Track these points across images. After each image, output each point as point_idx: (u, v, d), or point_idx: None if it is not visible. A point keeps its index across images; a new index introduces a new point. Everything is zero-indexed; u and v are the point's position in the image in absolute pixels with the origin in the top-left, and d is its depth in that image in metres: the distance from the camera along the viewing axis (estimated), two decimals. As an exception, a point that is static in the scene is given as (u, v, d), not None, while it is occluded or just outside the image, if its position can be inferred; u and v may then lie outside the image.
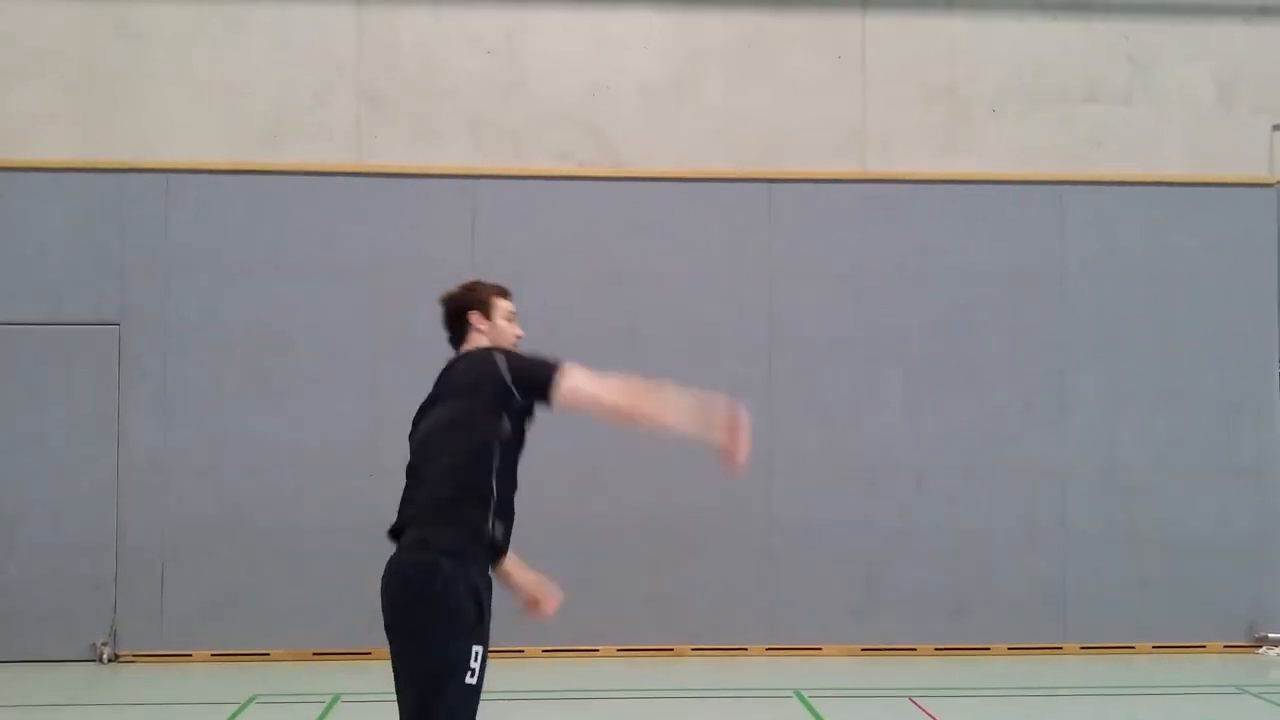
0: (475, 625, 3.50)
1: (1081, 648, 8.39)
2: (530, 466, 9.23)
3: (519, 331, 3.92)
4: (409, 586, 3.51)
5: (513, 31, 8.47)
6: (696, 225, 8.43)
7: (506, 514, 3.69)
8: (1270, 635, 8.45)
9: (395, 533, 3.65)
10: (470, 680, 3.46)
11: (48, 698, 7.13)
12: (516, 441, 3.76)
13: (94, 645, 7.98)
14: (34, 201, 8.14)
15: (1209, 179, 8.67)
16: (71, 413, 8.06)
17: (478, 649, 3.48)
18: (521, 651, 8.02)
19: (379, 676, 4.04)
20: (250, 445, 8.09)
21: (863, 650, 8.29)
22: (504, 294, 3.92)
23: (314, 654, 8.00)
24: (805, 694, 7.12)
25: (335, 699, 6.82)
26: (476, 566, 3.57)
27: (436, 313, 3.96)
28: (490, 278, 8.41)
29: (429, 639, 3.46)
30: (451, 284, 3.94)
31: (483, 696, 3.57)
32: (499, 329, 3.87)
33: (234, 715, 6.61)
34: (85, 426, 8.06)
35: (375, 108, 8.38)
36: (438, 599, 3.46)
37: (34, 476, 8.02)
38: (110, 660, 7.96)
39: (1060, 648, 8.38)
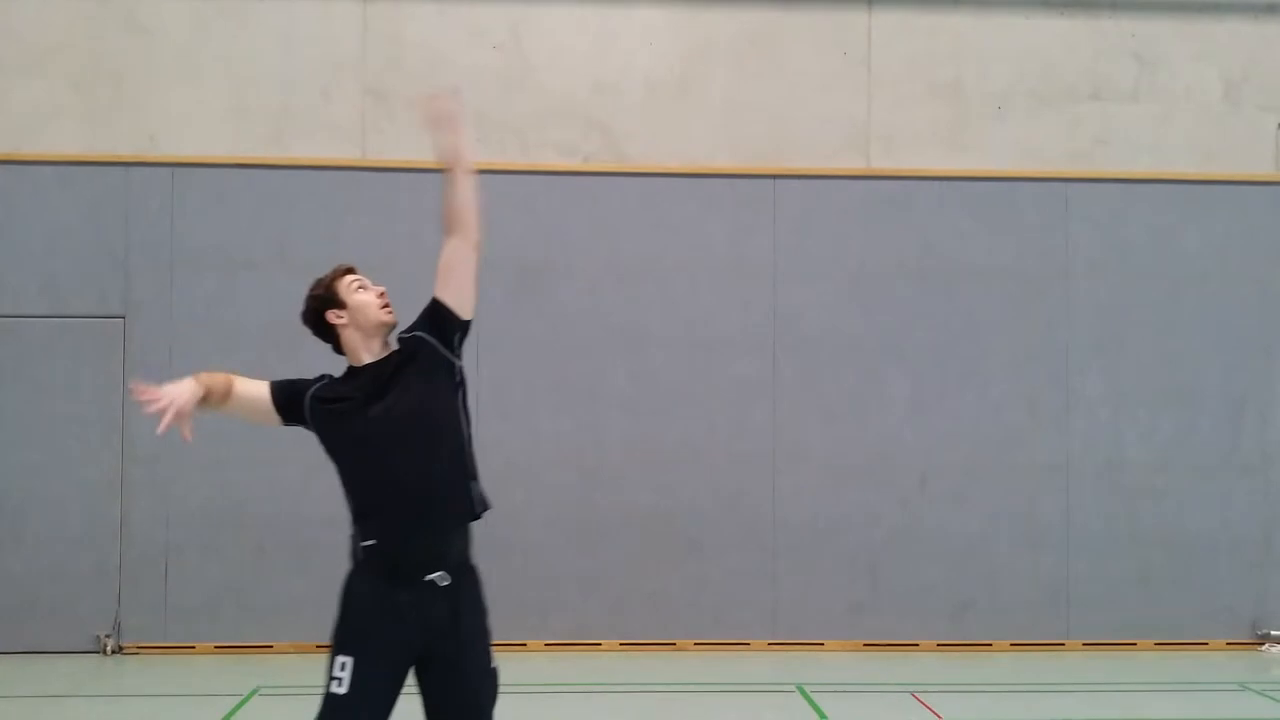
0: (338, 633, 3.52)
1: (1084, 644, 8.40)
2: (536, 462, 9.28)
3: (380, 289, 3.73)
4: None
5: (518, 27, 8.47)
6: (701, 221, 8.43)
7: (369, 519, 3.56)
8: (1273, 632, 8.45)
9: None
10: (336, 689, 3.42)
11: (52, 689, 7.17)
12: (332, 443, 3.63)
13: (98, 637, 8.01)
14: (39, 195, 8.15)
15: (1215, 177, 8.66)
16: (76, 405, 8.08)
17: (340, 659, 3.45)
18: (524, 645, 8.04)
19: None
20: (253, 438, 8.07)
21: (865, 645, 8.30)
22: (342, 274, 3.73)
23: (317, 646, 7.97)
24: (807, 689, 7.13)
25: (338, 692, 6.83)
26: (356, 576, 3.58)
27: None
28: (495, 273, 8.49)
29: None
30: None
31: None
32: (357, 306, 3.67)
33: (237, 707, 6.63)
34: (89, 419, 8.08)
35: (380, 103, 8.39)
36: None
37: (38, 469, 8.04)
38: (114, 652, 7.99)
39: (1063, 644, 8.39)
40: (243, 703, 6.74)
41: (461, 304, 3.71)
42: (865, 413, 8.41)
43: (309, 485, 8.05)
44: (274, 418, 3.67)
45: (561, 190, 8.37)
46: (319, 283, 3.74)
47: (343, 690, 3.40)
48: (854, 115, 8.57)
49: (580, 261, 8.33)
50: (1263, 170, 8.73)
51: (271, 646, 8.07)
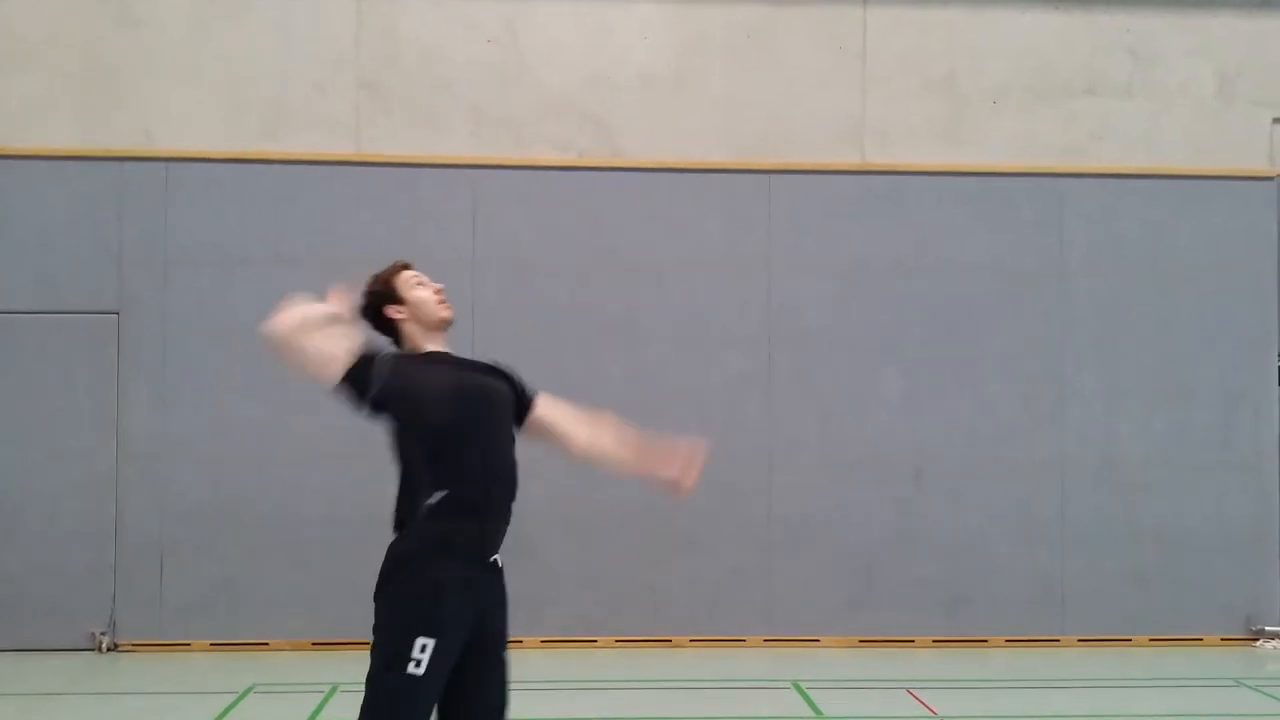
0: (413, 614, 3.42)
1: (1079, 640, 8.41)
2: (532, 458, 9.25)
3: (437, 286, 3.75)
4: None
5: (513, 20, 8.46)
6: (696, 215, 8.43)
7: (451, 488, 3.53)
8: (1267, 628, 8.46)
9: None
10: (413, 670, 3.35)
11: (47, 686, 7.15)
12: (417, 396, 3.57)
13: (93, 634, 7.99)
14: (33, 190, 8.13)
15: (1209, 172, 8.67)
16: (70, 402, 8.06)
17: (420, 640, 3.37)
18: (520, 642, 8.00)
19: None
20: (249, 434, 8.09)
21: (860, 642, 8.30)
22: (399, 269, 3.78)
23: (313, 644, 8.01)
24: (803, 685, 7.13)
25: (334, 689, 6.81)
26: (425, 557, 3.48)
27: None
28: (490, 267, 8.52)
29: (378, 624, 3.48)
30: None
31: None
32: (416, 302, 3.71)
33: (232, 705, 6.61)
34: (84, 416, 8.07)
35: (375, 97, 8.37)
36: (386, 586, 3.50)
37: (33, 466, 8.02)
38: (109, 649, 7.97)
39: (1058, 640, 8.40)
40: (238, 700, 6.72)
41: (527, 430, 3.80)
42: (860, 408, 8.41)
43: (304, 483, 8.06)
44: (338, 362, 3.56)
45: (556, 185, 8.36)
46: (376, 278, 3.78)
47: (420, 672, 3.35)
48: (849, 110, 8.57)
49: (575, 256, 8.32)
50: (1257, 165, 8.74)
51: (267, 644, 8.05)
